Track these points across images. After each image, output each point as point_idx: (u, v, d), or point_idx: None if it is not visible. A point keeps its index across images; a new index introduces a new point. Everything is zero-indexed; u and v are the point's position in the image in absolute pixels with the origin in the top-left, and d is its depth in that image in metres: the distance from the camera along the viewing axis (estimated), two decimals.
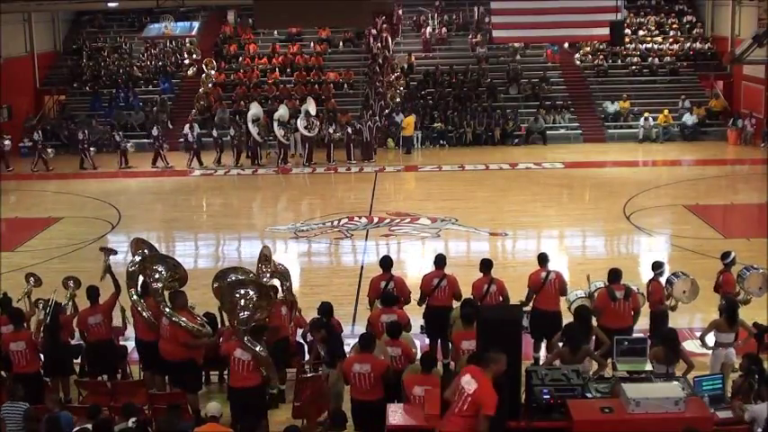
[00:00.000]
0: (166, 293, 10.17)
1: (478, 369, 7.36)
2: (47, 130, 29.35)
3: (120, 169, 26.50)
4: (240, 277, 10.31)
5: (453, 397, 7.41)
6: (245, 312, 9.36)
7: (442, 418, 7.40)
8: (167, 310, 9.91)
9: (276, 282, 10.98)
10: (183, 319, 9.83)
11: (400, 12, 33.75)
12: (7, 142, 27.40)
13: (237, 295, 9.56)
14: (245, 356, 9.05)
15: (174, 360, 9.91)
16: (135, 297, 10.46)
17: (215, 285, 10.45)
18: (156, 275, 10.31)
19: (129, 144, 27.26)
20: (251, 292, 9.57)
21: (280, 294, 10.82)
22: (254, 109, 27.33)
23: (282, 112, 27.31)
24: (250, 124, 26.67)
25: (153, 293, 10.23)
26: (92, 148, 27.07)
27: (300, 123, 26.92)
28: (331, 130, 27.23)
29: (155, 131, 27.14)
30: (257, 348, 9.08)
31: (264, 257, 11.02)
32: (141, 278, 10.57)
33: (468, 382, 7.26)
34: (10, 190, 23.90)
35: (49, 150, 27.33)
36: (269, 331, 9.78)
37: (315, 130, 27.12)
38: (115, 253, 11.71)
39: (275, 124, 26.74)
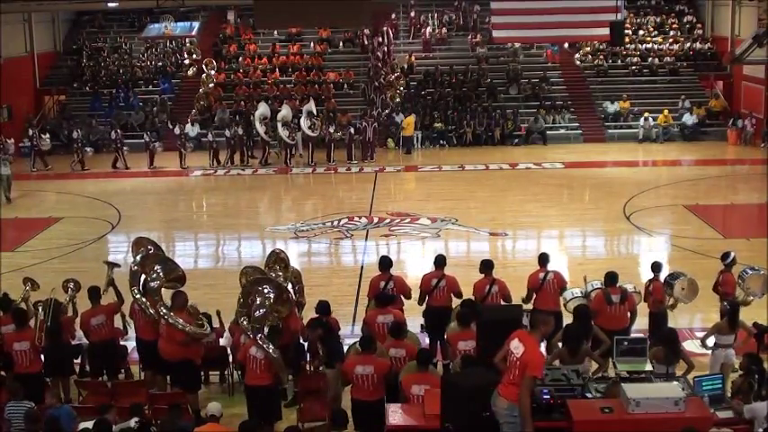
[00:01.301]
0: (164, 293, 10.18)
1: (526, 332, 7.46)
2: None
3: (149, 169, 26.42)
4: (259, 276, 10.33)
5: (503, 363, 7.47)
6: (261, 311, 9.39)
7: (500, 385, 7.43)
8: (163, 309, 9.93)
9: (289, 284, 10.97)
10: (180, 319, 9.83)
11: (412, 13, 33.75)
12: (45, 139, 27.45)
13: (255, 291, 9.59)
14: (260, 354, 9.11)
15: (172, 360, 9.92)
16: (138, 296, 10.47)
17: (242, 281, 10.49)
18: (155, 275, 10.34)
19: (158, 144, 27.24)
20: (268, 290, 9.58)
21: (292, 296, 10.81)
22: (262, 108, 27.34)
23: (285, 112, 27.30)
24: (258, 124, 26.69)
25: (151, 293, 10.25)
26: (125, 148, 27.00)
27: (304, 123, 26.95)
28: (331, 130, 27.24)
29: (177, 131, 27.01)
30: (270, 349, 9.11)
31: (282, 260, 10.98)
32: (143, 277, 10.58)
33: (517, 347, 7.33)
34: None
35: (88, 149, 27.35)
36: (286, 333, 9.81)
37: (317, 130, 27.15)
38: (119, 266, 11.70)
39: (279, 125, 26.72)
